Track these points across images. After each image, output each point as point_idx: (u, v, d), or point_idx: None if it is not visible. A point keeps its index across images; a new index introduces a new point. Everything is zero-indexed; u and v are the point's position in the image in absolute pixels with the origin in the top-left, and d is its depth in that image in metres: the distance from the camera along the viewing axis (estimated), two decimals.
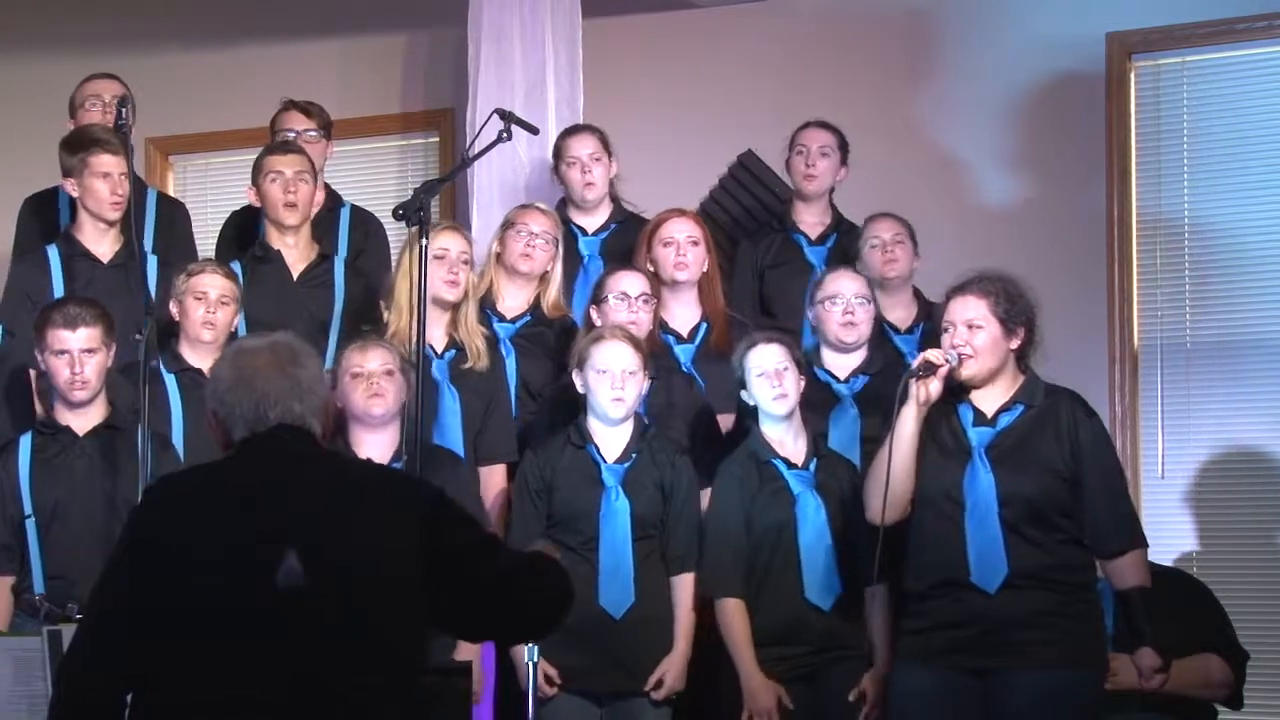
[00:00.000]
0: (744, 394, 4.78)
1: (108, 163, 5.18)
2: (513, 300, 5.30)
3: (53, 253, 5.28)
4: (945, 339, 4.39)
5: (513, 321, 5.28)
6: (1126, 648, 4.73)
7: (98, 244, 5.28)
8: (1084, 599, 4.34)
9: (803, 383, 4.78)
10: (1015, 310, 4.39)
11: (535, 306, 5.31)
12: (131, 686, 2.99)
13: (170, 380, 4.96)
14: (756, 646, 4.66)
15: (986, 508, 4.28)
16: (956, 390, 4.38)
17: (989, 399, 4.40)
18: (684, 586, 4.74)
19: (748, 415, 4.85)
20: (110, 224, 5.26)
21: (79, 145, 5.23)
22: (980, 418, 4.38)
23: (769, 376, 4.72)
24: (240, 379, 3.12)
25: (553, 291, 5.30)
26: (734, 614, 4.68)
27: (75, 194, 5.27)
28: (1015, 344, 4.41)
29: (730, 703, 4.66)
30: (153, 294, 5.06)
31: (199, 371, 4.96)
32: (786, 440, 4.76)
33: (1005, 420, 4.37)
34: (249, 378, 3.11)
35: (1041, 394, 4.41)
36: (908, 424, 4.29)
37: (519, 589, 3.16)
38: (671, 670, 4.69)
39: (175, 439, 4.88)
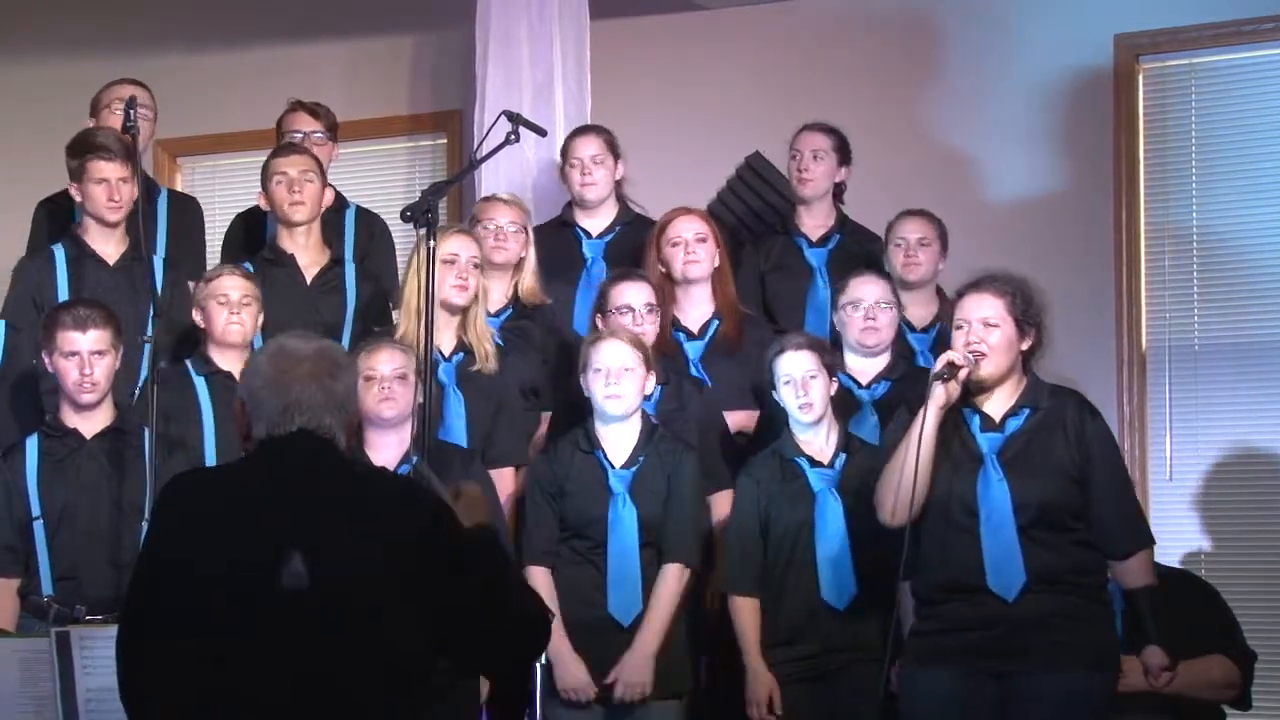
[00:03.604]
0: (774, 394, 4.78)
1: (104, 169, 5.20)
2: (493, 294, 5.27)
3: (59, 253, 5.29)
4: (958, 336, 4.37)
5: (495, 315, 5.27)
6: (1135, 649, 4.74)
7: (104, 246, 5.29)
8: (1099, 600, 4.35)
9: (834, 386, 4.77)
10: (1030, 311, 4.39)
11: (515, 298, 5.32)
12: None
13: (200, 383, 4.98)
14: (773, 645, 4.67)
15: (1002, 516, 4.27)
16: (962, 394, 4.37)
17: (994, 403, 4.39)
18: (665, 577, 4.71)
19: (777, 415, 4.84)
20: (111, 226, 5.28)
21: (79, 150, 5.27)
22: (988, 423, 4.37)
23: (795, 385, 4.71)
24: (277, 380, 3.11)
25: (528, 278, 5.29)
26: (744, 611, 4.70)
27: (78, 198, 5.29)
28: (1026, 345, 4.40)
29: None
30: (159, 296, 5.08)
31: (229, 375, 4.98)
32: (815, 438, 4.76)
33: (1013, 425, 4.36)
34: (286, 382, 3.10)
35: (1047, 395, 4.40)
36: (930, 426, 4.28)
37: (512, 619, 3.16)
38: (631, 665, 4.62)
39: (208, 442, 4.91)
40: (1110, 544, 4.38)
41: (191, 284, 5.25)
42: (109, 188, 5.22)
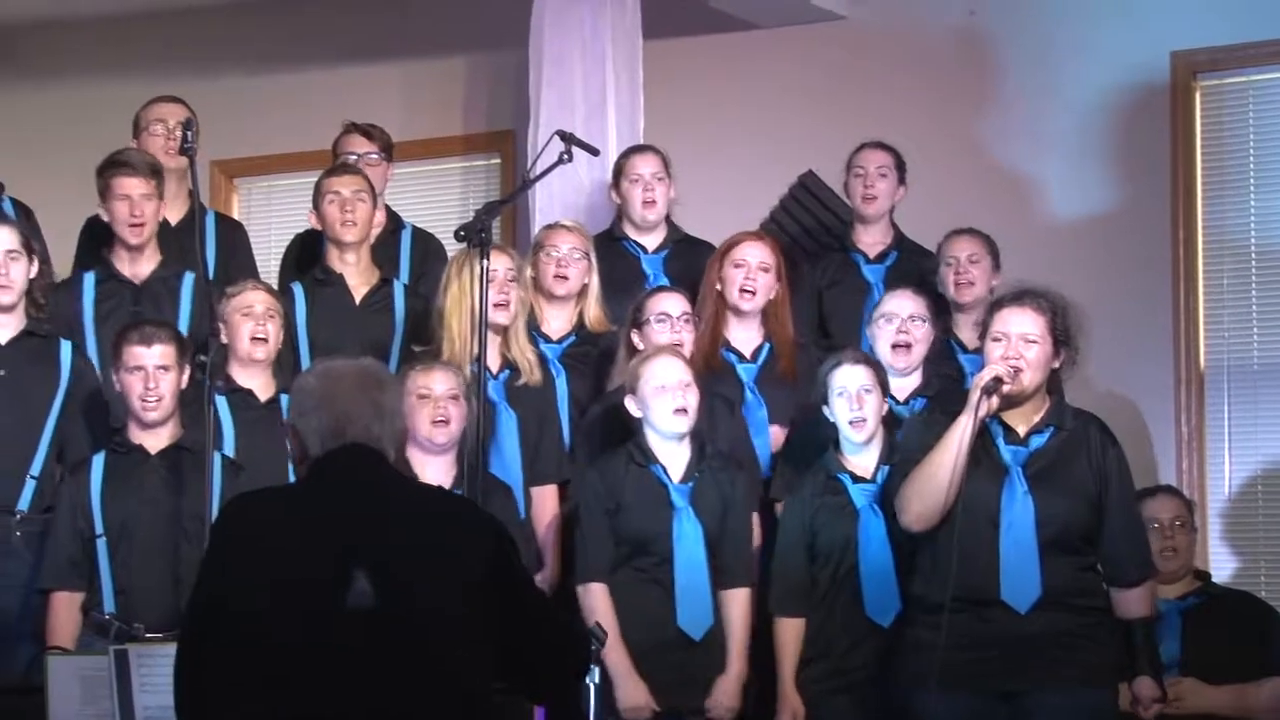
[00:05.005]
0: (825, 409, 4.76)
1: (127, 185, 5.20)
2: (556, 321, 5.29)
3: (88, 279, 5.31)
4: (995, 348, 4.35)
5: (558, 342, 5.27)
6: (1194, 672, 4.71)
7: (130, 266, 5.29)
8: (1104, 622, 4.35)
9: (885, 406, 4.75)
10: (1068, 331, 4.38)
11: (580, 325, 5.31)
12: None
13: (221, 401, 4.94)
14: (817, 660, 4.66)
15: (1023, 528, 4.27)
16: None
17: (1019, 418, 4.37)
18: (735, 602, 4.72)
19: (826, 432, 4.81)
20: (135, 248, 5.26)
21: (104, 167, 5.27)
22: (1012, 436, 4.37)
23: (850, 398, 4.69)
24: (326, 397, 3.16)
25: (593, 306, 5.29)
26: (787, 633, 4.70)
27: (105, 217, 5.29)
28: (1058, 363, 4.40)
29: None
30: (187, 314, 5.13)
31: (249, 392, 5.00)
32: (863, 458, 4.74)
33: (1037, 441, 4.36)
34: (332, 397, 3.15)
35: (1070, 417, 4.40)
36: (966, 436, 4.26)
37: (560, 651, 3.23)
38: (726, 690, 4.67)
39: None
40: (1118, 571, 4.40)
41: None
42: (131, 203, 5.21)
